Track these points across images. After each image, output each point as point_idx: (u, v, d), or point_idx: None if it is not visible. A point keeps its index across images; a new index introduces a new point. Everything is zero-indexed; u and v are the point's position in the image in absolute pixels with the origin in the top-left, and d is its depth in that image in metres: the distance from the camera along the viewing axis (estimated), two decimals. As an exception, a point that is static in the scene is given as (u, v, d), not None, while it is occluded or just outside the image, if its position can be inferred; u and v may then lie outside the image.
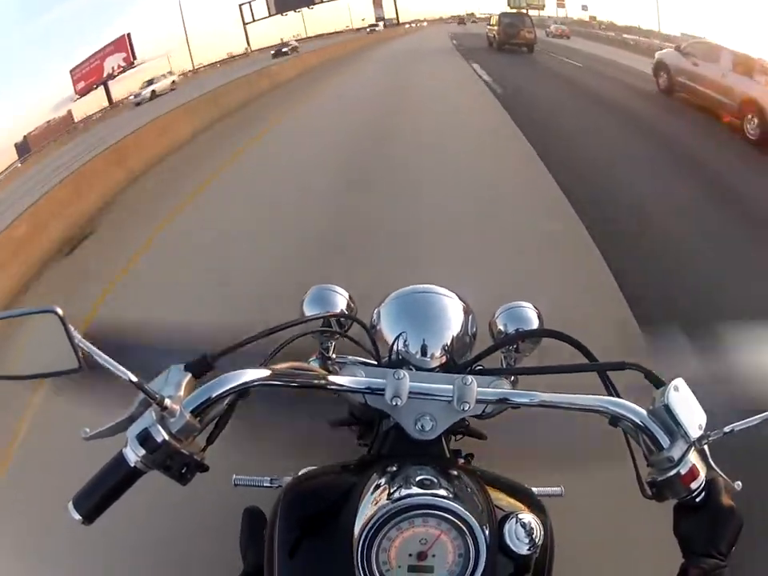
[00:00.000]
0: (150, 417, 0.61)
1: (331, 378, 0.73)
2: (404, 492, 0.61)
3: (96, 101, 9.54)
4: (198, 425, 0.65)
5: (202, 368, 0.69)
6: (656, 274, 3.08)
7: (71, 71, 9.25)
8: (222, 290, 3.10)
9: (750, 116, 5.68)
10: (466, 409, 0.68)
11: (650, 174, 4.75)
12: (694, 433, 0.64)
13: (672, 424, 0.65)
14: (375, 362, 0.88)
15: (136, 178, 5.84)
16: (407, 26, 17.63)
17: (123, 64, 9.94)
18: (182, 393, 0.64)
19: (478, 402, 0.69)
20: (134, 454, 0.61)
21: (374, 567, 0.59)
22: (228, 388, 0.65)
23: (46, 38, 8.89)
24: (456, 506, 0.59)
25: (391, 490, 0.62)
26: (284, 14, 13.88)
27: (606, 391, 0.74)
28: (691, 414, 0.65)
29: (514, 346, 0.98)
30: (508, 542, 0.62)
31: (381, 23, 16.68)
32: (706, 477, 0.64)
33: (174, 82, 10.41)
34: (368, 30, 16.43)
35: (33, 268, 4.01)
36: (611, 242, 3.35)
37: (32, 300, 3.47)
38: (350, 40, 15.56)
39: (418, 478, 0.63)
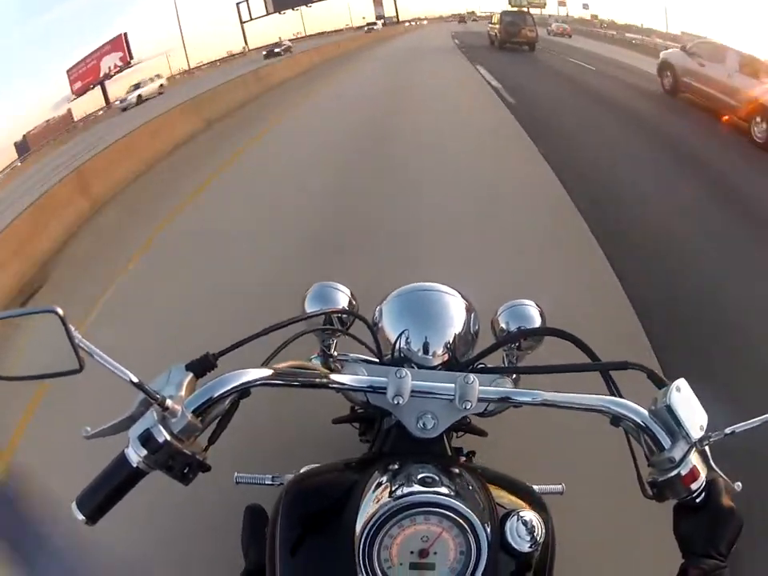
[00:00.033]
0: (151, 417, 0.61)
1: (333, 376, 0.73)
2: (406, 490, 0.61)
3: (94, 100, 9.51)
4: (200, 425, 0.65)
5: (203, 367, 0.69)
6: (659, 274, 3.07)
7: (68, 71, 9.22)
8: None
9: (758, 119, 5.61)
10: (468, 407, 0.68)
11: (673, 185, 4.49)
12: (696, 434, 0.64)
13: (673, 424, 0.65)
14: (377, 360, 0.88)
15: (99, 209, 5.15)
16: (407, 24, 17.59)
17: (120, 64, 9.90)
18: (183, 393, 0.64)
19: (480, 400, 0.69)
20: (135, 455, 0.61)
21: (376, 565, 0.59)
22: (229, 388, 0.65)
23: (45, 38, 8.89)
24: (457, 503, 0.59)
25: (393, 488, 0.62)
26: (282, 12, 13.78)
27: (608, 391, 0.74)
28: (693, 415, 0.65)
29: (516, 345, 0.98)
30: (509, 539, 0.62)
31: (380, 22, 16.53)
32: (706, 477, 0.64)
33: (161, 85, 10.10)
34: (366, 29, 16.22)
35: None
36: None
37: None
38: (347, 39, 15.32)
39: (419, 476, 0.63)
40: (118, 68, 9.85)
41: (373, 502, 0.62)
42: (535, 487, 0.77)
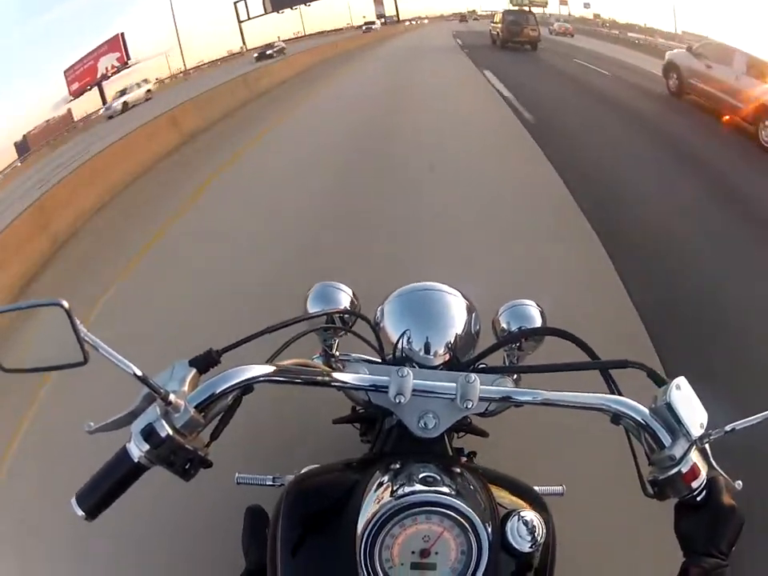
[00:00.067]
0: (154, 411, 0.61)
1: (335, 374, 0.73)
2: (407, 489, 0.61)
3: (93, 100, 9.48)
4: (203, 420, 0.65)
5: (206, 363, 0.69)
6: (660, 275, 3.06)
7: (65, 72, 9.14)
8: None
9: (766, 122, 5.54)
10: (469, 407, 0.68)
11: (680, 189, 4.35)
12: (696, 431, 0.64)
13: (674, 422, 0.65)
14: (379, 359, 0.88)
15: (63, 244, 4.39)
16: (407, 23, 17.56)
17: (117, 64, 9.81)
18: (186, 388, 0.64)
19: (481, 400, 0.69)
20: (137, 449, 0.61)
21: (377, 564, 0.59)
22: (232, 384, 0.65)
23: (45, 38, 8.88)
24: (459, 503, 0.59)
25: (394, 488, 0.62)
26: (280, 11, 13.68)
27: (609, 389, 0.74)
28: (693, 413, 0.65)
29: (517, 344, 0.98)
30: (510, 539, 0.62)
31: (379, 21, 16.35)
32: (707, 476, 0.65)
33: (149, 90, 9.78)
34: (364, 28, 15.95)
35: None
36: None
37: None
38: (344, 40, 15.08)
39: (420, 476, 0.63)
40: (116, 69, 9.77)
41: (374, 501, 0.62)
42: (536, 488, 0.77)
